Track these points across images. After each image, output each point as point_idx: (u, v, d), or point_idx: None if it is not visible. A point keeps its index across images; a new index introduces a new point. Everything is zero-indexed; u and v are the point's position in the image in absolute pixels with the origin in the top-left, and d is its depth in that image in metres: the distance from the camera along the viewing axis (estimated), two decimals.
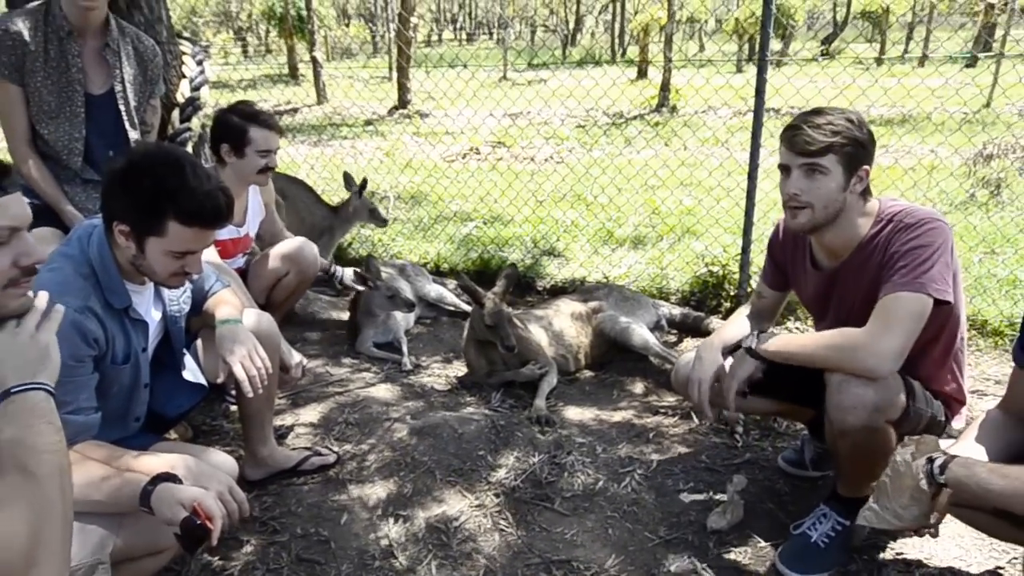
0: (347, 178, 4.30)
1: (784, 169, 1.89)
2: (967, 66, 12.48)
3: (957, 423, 2.06)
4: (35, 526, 1.09)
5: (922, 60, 15.93)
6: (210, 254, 2.56)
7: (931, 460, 1.52)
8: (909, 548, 2.08)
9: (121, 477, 1.52)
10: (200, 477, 1.59)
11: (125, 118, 2.73)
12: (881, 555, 2.05)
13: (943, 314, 1.84)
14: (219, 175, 2.83)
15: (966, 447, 1.66)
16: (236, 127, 2.82)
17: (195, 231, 1.65)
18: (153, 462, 1.61)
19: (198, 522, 1.42)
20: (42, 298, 1.31)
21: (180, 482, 1.52)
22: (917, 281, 1.75)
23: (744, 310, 2.32)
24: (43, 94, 2.59)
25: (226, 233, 2.90)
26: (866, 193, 1.91)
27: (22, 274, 1.24)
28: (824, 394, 1.86)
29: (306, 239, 3.11)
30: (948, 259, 1.79)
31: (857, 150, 1.83)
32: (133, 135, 2.75)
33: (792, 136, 1.84)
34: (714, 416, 2.14)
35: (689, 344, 3.55)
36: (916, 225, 1.81)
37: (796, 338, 2.00)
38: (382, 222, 4.44)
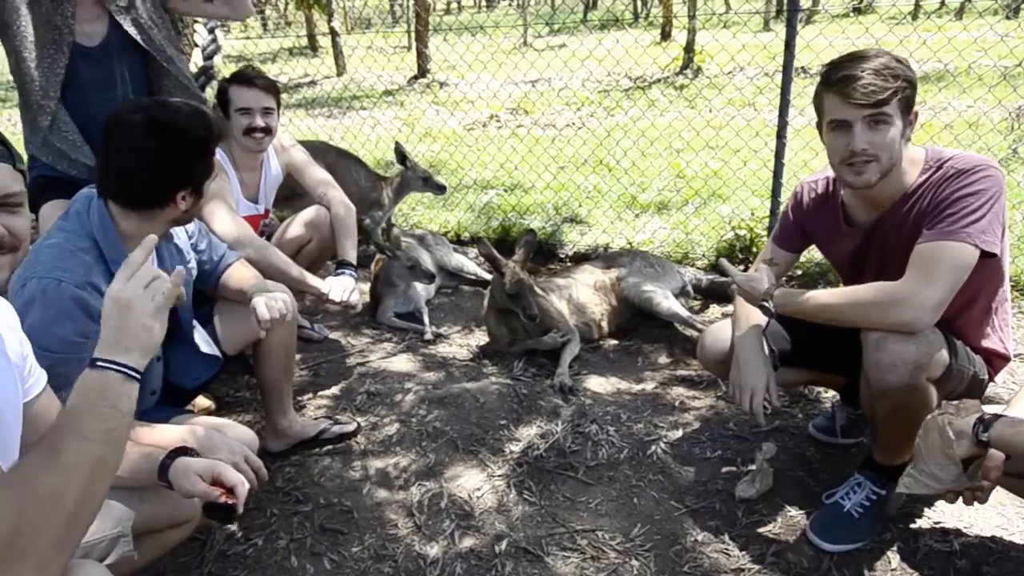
0: (399, 150, 4.10)
1: (841, 124, 1.71)
2: (1007, 17, 11.92)
3: (1000, 379, 1.97)
4: (27, 515, 0.99)
5: (960, 12, 15.27)
6: (232, 227, 2.53)
7: (981, 420, 1.44)
8: (948, 517, 2.00)
9: (140, 452, 1.51)
10: (212, 448, 1.58)
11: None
12: (917, 524, 1.98)
13: (988, 267, 1.72)
14: (229, 151, 2.80)
15: (1016, 412, 1.58)
16: (221, 89, 2.77)
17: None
18: (163, 434, 1.61)
19: (221, 501, 1.41)
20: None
21: (197, 455, 1.51)
22: (964, 231, 1.64)
23: None
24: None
25: (244, 209, 2.87)
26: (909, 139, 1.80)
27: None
28: (857, 358, 1.78)
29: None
30: (1000, 209, 1.68)
31: (913, 93, 1.70)
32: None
33: (851, 86, 1.65)
34: (767, 422, 2.02)
35: (715, 311, 3.47)
36: (969, 172, 1.69)
37: (820, 294, 1.85)
38: (439, 189, 4.16)
